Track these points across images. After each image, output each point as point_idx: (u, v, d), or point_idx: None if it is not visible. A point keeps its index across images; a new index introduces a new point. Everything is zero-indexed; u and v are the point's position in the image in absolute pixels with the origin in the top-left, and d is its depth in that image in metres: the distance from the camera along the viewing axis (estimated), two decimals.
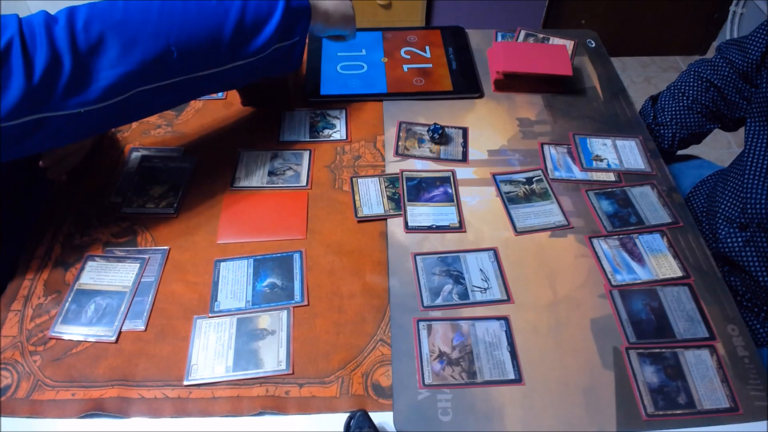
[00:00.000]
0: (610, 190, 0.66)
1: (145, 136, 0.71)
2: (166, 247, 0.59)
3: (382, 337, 0.53)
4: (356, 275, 0.57)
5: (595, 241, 0.60)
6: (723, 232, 0.67)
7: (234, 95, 0.76)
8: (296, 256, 0.58)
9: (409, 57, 0.83)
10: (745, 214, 0.64)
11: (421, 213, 0.63)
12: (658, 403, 0.48)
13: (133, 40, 0.49)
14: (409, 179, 0.66)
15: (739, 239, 0.65)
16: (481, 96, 0.78)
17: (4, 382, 0.49)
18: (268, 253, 0.59)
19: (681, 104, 0.80)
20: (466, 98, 0.77)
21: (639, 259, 0.59)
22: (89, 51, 0.48)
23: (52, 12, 0.48)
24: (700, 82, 0.79)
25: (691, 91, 0.80)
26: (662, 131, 0.81)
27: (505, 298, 0.55)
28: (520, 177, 0.67)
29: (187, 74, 0.54)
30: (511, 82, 0.77)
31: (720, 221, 0.68)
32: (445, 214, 0.63)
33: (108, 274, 0.56)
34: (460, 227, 0.61)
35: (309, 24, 0.61)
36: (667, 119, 0.81)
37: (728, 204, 0.67)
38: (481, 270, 0.58)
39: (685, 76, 0.82)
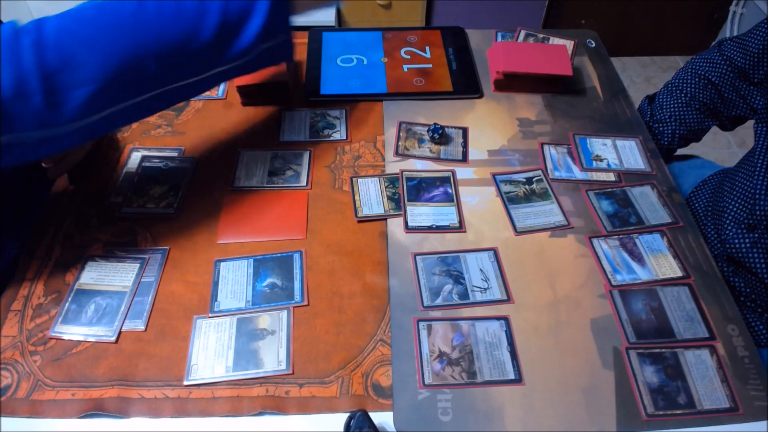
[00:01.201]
0: (610, 190, 0.66)
1: (145, 136, 0.71)
2: (166, 247, 0.59)
3: (382, 337, 0.53)
4: (356, 275, 0.57)
5: (595, 241, 0.60)
6: (731, 233, 0.67)
7: (234, 95, 0.76)
8: (296, 256, 0.58)
9: (409, 57, 0.83)
10: (753, 215, 0.64)
11: (421, 213, 0.63)
12: (658, 403, 0.48)
13: (105, 55, 0.46)
14: (409, 179, 0.66)
15: (747, 240, 0.65)
16: (481, 96, 0.78)
17: (4, 382, 0.49)
18: (268, 253, 0.59)
19: (679, 101, 0.80)
20: (466, 98, 0.77)
21: (639, 259, 0.59)
22: (58, 69, 0.44)
23: (54, 11, 0.47)
24: (697, 79, 0.79)
25: (688, 88, 0.80)
26: (661, 128, 0.81)
27: (505, 298, 0.56)
28: (520, 177, 0.67)
29: (170, 84, 0.52)
30: (511, 82, 0.77)
31: (728, 222, 0.68)
32: (445, 214, 0.63)
33: (108, 274, 0.56)
34: (460, 227, 0.61)
35: (291, 17, 0.56)
36: (666, 116, 0.81)
37: (736, 205, 0.67)
38: (481, 270, 0.58)
39: (683, 74, 0.82)
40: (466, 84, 0.78)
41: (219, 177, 0.66)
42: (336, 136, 0.71)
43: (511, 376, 0.50)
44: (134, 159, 0.68)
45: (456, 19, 1.79)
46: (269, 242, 0.60)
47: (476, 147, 0.71)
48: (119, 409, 0.47)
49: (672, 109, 0.80)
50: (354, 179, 0.66)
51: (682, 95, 0.80)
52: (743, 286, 0.67)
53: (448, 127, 0.73)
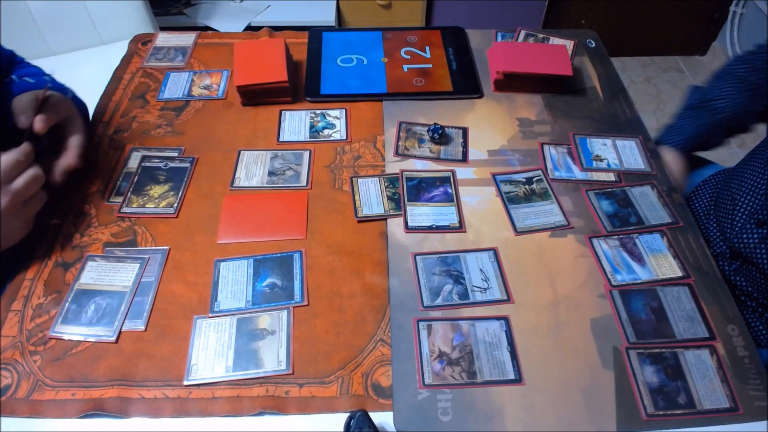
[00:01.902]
0: (610, 190, 0.66)
1: (145, 136, 0.71)
2: (166, 247, 0.59)
3: (382, 337, 0.53)
4: (356, 275, 0.57)
5: (595, 241, 0.60)
6: (738, 227, 0.66)
7: (234, 95, 0.76)
8: (296, 256, 0.58)
9: (409, 57, 0.83)
10: (765, 210, 0.64)
11: (421, 213, 0.63)
12: (658, 403, 0.48)
13: None
14: (409, 179, 0.66)
15: (755, 235, 0.64)
16: (481, 96, 0.78)
17: (4, 382, 0.49)
18: (268, 253, 0.59)
19: (733, 80, 0.76)
20: (466, 98, 0.77)
21: (639, 259, 0.59)
22: None
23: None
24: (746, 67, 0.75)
25: (741, 73, 0.76)
26: (717, 104, 0.76)
27: (505, 298, 0.55)
28: (520, 177, 0.67)
29: None
30: (511, 82, 0.77)
31: (737, 217, 0.68)
32: (445, 214, 0.63)
33: (108, 274, 0.56)
34: (460, 227, 0.61)
35: None
36: (725, 92, 0.76)
37: (746, 200, 0.67)
38: (481, 270, 0.58)
39: (733, 65, 0.78)
40: (466, 84, 0.78)
41: (219, 177, 0.66)
42: (336, 136, 0.71)
43: (511, 376, 0.50)
44: (134, 159, 0.68)
45: (456, 19, 1.79)
46: (269, 242, 0.60)
47: (476, 147, 0.71)
48: (119, 409, 0.47)
49: (728, 90, 0.76)
50: (354, 179, 0.66)
51: (736, 80, 0.76)
52: (746, 284, 0.67)
53: (448, 127, 0.73)
